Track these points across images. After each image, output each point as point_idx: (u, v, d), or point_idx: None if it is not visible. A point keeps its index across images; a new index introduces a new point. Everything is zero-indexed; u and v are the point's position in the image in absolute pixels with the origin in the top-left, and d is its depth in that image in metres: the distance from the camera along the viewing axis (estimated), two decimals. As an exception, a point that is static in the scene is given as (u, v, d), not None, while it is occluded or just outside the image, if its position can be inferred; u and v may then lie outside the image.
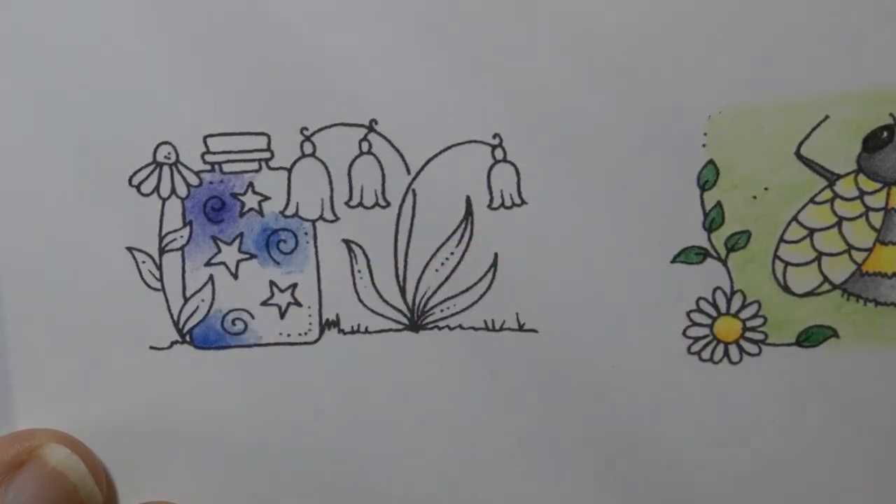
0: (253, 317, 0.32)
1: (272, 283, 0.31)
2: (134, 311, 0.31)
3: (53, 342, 0.32)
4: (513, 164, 0.30)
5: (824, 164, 0.30)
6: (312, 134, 0.30)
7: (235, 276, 0.31)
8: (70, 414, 0.32)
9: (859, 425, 0.31)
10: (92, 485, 0.31)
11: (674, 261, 0.31)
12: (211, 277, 0.31)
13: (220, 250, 0.31)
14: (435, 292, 0.31)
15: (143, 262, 0.31)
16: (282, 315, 0.32)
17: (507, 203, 0.31)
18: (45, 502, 0.30)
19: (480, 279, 0.31)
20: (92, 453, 0.32)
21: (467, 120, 0.30)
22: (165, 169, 0.31)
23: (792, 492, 0.32)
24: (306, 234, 0.31)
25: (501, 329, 0.31)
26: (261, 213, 0.31)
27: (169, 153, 0.31)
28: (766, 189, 0.30)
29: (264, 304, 0.32)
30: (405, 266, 0.31)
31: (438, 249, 0.31)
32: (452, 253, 0.31)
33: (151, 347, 0.32)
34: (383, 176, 0.31)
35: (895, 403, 0.31)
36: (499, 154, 0.30)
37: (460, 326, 0.31)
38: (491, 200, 0.31)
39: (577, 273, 0.31)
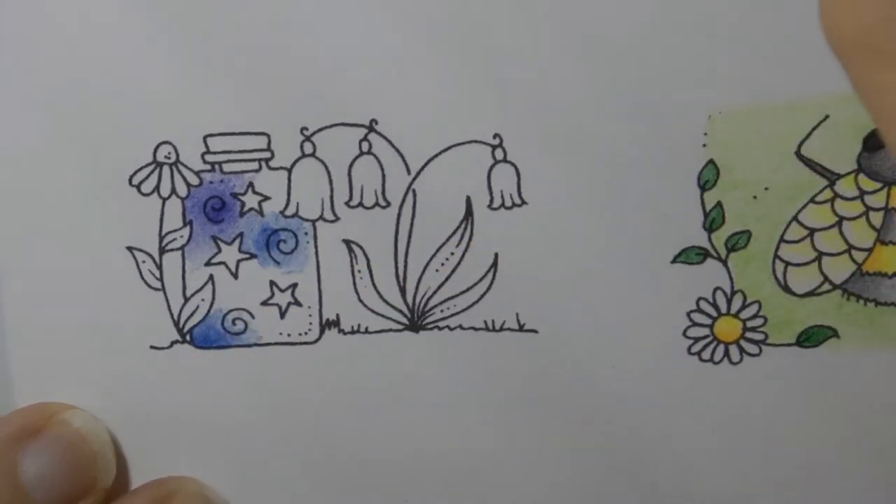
0: (253, 317, 0.32)
1: (272, 283, 0.31)
2: (134, 311, 0.31)
3: (53, 342, 0.32)
4: (513, 164, 0.30)
5: (824, 164, 0.30)
6: (312, 134, 0.30)
7: (235, 275, 0.31)
8: (70, 414, 0.32)
9: (859, 425, 0.31)
10: (111, 457, 0.31)
11: (674, 261, 0.31)
12: (211, 277, 0.31)
13: (220, 250, 0.31)
14: (435, 292, 0.31)
15: (143, 261, 0.31)
16: (282, 315, 0.32)
17: (507, 203, 0.31)
18: (63, 467, 0.29)
19: (480, 279, 0.31)
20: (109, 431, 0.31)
21: (467, 120, 0.30)
22: (165, 169, 0.31)
23: (792, 491, 0.32)
24: (306, 234, 0.31)
25: (501, 329, 0.31)
26: (261, 213, 0.31)
27: (169, 153, 0.31)
28: (766, 189, 0.30)
29: (264, 303, 0.32)
30: (405, 266, 0.31)
31: (439, 249, 0.31)
32: (452, 253, 0.31)
33: (152, 347, 0.32)
34: (383, 176, 0.31)
35: (895, 403, 0.31)
36: (499, 154, 0.30)
37: (460, 326, 0.31)
38: (491, 200, 0.31)
39: (577, 273, 0.31)
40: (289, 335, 0.32)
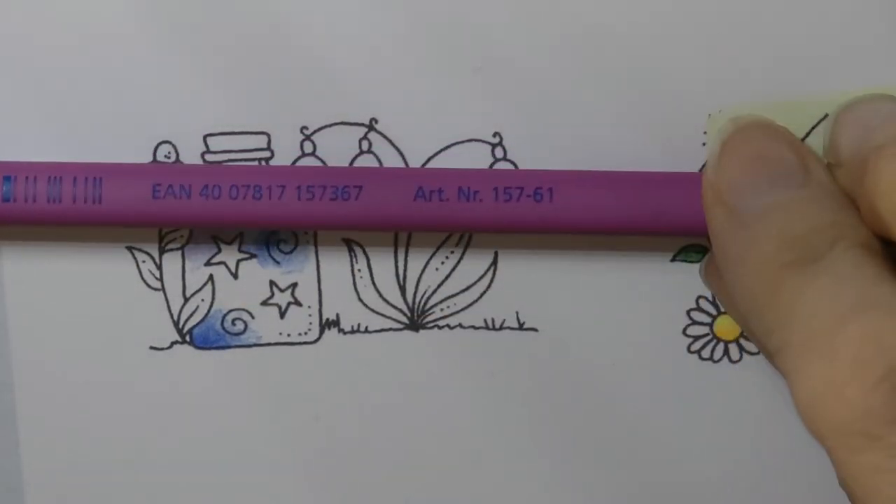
0: (253, 317, 0.32)
1: (272, 283, 0.31)
2: (134, 311, 0.31)
3: (54, 342, 0.31)
4: (512, 163, 0.30)
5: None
6: (312, 133, 0.31)
7: (235, 275, 0.31)
8: (71, 414, 0.32)
9: (860, 425, 0.31)
10: None
11: (674, 259, 0.31)
12: (211, 277, 0.31)
13: (220, 250, 0.31)
14: (435, 291, 0.31)
15: (143, 261, 0.31)
16: (282, 315, 0.32)
17: (507, 202, 0.31)
18: None
19: (480, 278, 0.31)
20: None
21: (467, 119, 0.30)
22: (165, 168, 0.31)
23: (792, 491, 0.31)
24: (306, 233, 0.31)
25: (501, 328, 0.31)
26: (261, 212, 0.31)
27: (169, 152, 0.31)
28: (765, 188, 0.30)
29: (264, 303, 0.32)
30: (405, 265, 0.31)
31: (438, 248, 0.31)
32: (452, 251, 0.31)
33: (151, 348, 0.32)
34: (383, 175, 0.31)
35: None
36: (499, 153, 0.30)
37: (460, 325, 0.31)
38: (491, 199, 0.31)
39: (577, 272, 0.31)
40: (289, 335, 0.32)
